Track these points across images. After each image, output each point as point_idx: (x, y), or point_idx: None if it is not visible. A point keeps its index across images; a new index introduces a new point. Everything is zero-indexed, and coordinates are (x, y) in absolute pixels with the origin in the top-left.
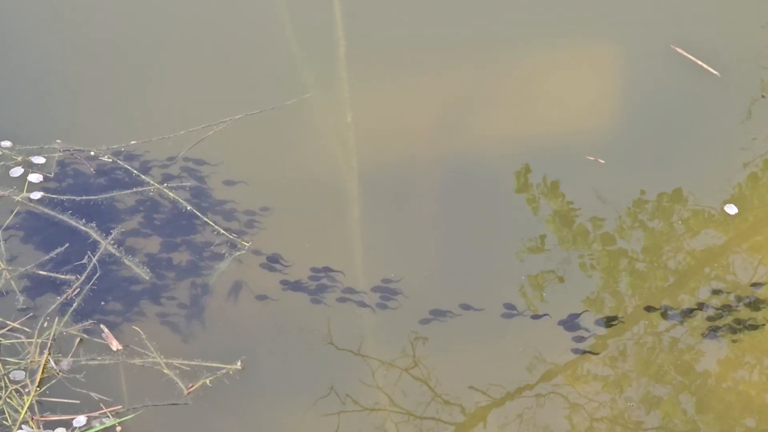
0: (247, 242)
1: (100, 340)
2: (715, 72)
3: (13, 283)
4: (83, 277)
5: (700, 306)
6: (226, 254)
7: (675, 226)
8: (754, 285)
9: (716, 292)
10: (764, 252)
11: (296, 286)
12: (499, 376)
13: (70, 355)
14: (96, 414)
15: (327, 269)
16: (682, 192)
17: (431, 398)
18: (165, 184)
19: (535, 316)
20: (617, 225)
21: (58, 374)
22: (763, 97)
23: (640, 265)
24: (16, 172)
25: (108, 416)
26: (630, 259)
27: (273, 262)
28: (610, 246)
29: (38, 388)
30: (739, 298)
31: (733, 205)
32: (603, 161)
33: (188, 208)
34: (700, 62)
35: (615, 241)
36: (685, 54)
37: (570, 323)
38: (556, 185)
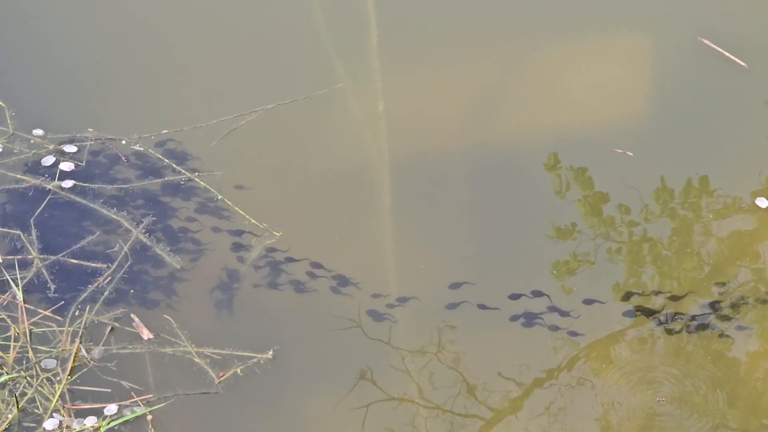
0: (278, 232)
1: (131, 329)
2: (743, 63)
3: (44, 271)
4: (114, 266)
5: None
6: (257, 243)
7: (704, 217)
8: None
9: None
10: None
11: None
12: (530, 364)
13: (101, 344)
14: (127, 402)
15: (346, 281)
16: (709, 183)
17: (461, 387)
18: (196, 173)
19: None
20: (644, 214)
21: (90, 363)
22: None
23: (666, 252)
24: (48, 160)
25: (139, 405)
26: (660, 249)
27: (316, 267)
28: (639, 235)
29: (69, 377)
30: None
31: (764, 198)
32: (631, 153)
33: (219, 197)
34: (727, 54)
35: (644, 230)
36: (713, 46)
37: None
38: (584, 171)
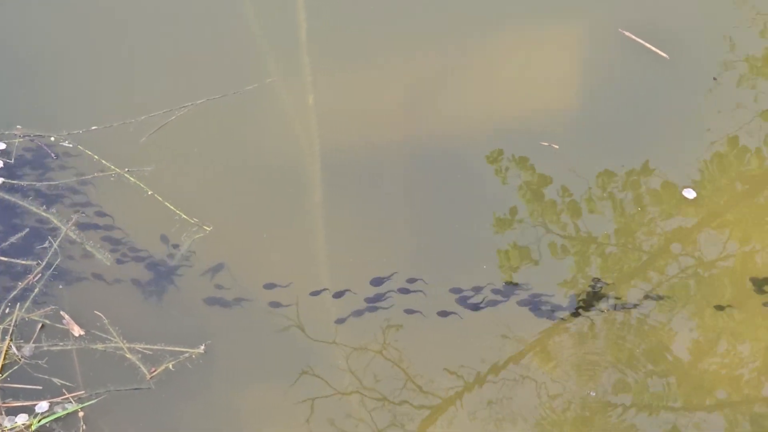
0: (209, 227)
1: (61, 326)
2: (665, 55)
3: None
4: (44, 263)
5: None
6: (187, 238)
7: (634, 208)
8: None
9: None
10: (732, 229)
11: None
12: (471, 356)
13: (31, 341)
14: (58, 399)
15: (278, 275)
16: (639, 174)
17: (405, 381)
18: (126, 170)
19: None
20: (587, 205)
21: (20, 360)
22: (714, 79)
23: (611, 248)
24: None
25: (70, 401)
26: (599, 241)
27: (247, 261)
28: (577, 226)
29: (0, 375)
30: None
31: (691, 189)
32: (557, 146)
33: (149, 192)
34: (649, 45)
35: (582, 223)
36: (634, 38)
37: (534, 303)
38: (525, 160)
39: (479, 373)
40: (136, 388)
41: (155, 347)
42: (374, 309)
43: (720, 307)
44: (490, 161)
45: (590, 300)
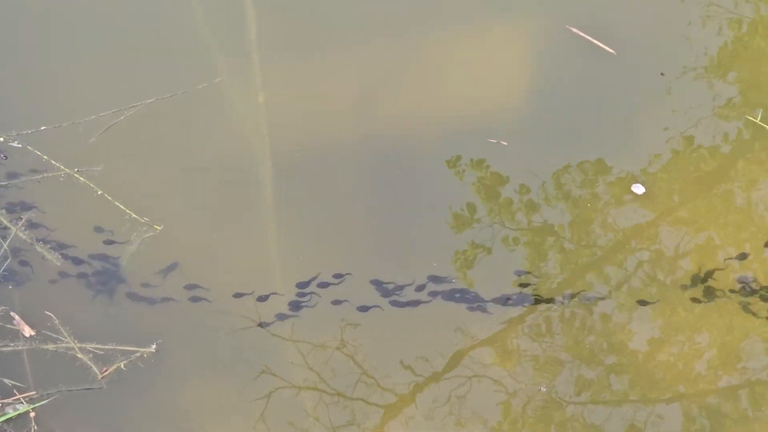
0: (159, 226)
1: (12, 327)
2: (611, 50)
3: None
4: None
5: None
6: (138, 238)
7: (585, 204)
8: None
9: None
10: (690, 226)
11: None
12: (427, 352)
13: None
14: (9, 400)
15: (229, 274)
16: (589, 170)
17: (359, 377)
18: (76, 170)
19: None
20: (541, 201)
21: None
22: (662, 74)
23: (567, 244)
24: None
25: (21, 402)
26: (554, 236)
27: (196, 261)
28: (536, 221)
29: None
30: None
31: (640, 185)
32: (505, 143)
33: (99, 192)
34: (596, 41)
35: (541, 217)
36: (581, 34)
37: (481, 300)
38: (479, 159)
39: (434, 368)
40: (87, 388)
41: (106, 347)
42: (299, 308)
43: (643, 302)
44: (443, 159)
45: (541, 296)
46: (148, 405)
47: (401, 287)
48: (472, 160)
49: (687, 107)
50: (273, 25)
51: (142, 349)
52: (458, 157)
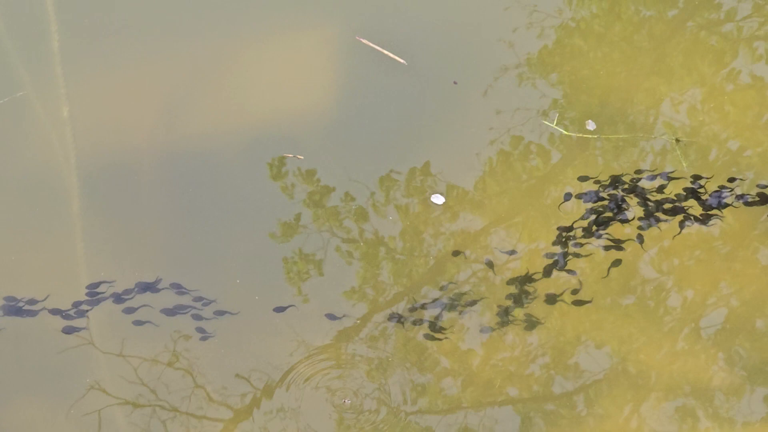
0: None
1: None
2: (402, 60)
3: None
4: None
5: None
6: None
7: (386, 216)
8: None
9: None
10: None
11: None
12: (268, 363)
13: None
14: None
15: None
16: (391, 180)
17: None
18: None
19: (279, 309)
20: (358, 212)
21: None
22: (455, 83)
23: (399, 256)
24: None
25: None
26: (385, 246)
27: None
28: (366, 232)
29: None
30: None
31: (439, 195)
32: (302, 157)
33: None
34: (387, 52)
35: (369, 227)
36: (372, 45)
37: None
38: (278, 167)
39: (270, 378)
40: None
41: None
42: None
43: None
44: (241, 170)
45: (377, 306)
46: None
47: (208, 301)
48: (273, 171)
49: (499, 111)
50: (76, 37)
51: None
52: (259, 164)
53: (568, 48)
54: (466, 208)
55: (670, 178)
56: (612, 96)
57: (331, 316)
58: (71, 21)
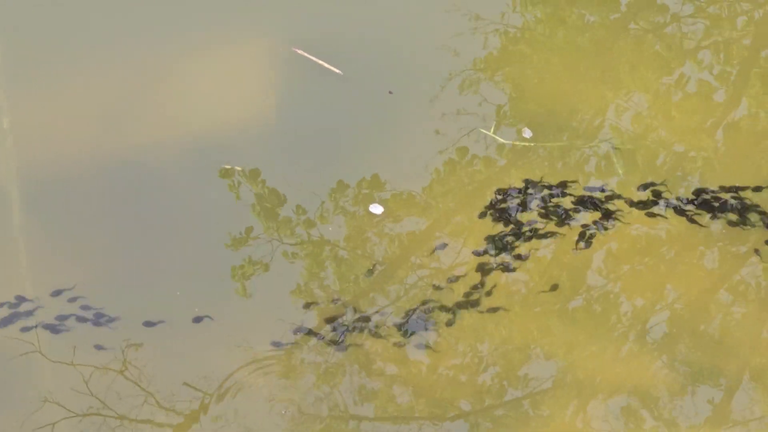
0: None
1: None
2: (338, 71)
3: None
4: None
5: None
6: None
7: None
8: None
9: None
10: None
11: None
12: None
13: None
14: None
15: None
16: (334, 192)
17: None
18: None
19: (197, 319)
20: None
21: None
22: (390, 93)
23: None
24: None
25: None
26: (332, 253)
27: None
28: (312, 237)
29: None
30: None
31: (377, 205)
32: (240, 168)
33: None
34: (322, 62)
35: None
36: (308, 55)
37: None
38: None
39: (220, 385)
40: None
41: None
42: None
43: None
44: (183, 181)
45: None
46: None
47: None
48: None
49: (435, 119)
50: (16, 48)
51: None
52: (199, 175)
53: (510, 54)
54: (403, 215)
55: (565, 193)
56: (555, 102)
57: (197, 319)
58: (10, 32)
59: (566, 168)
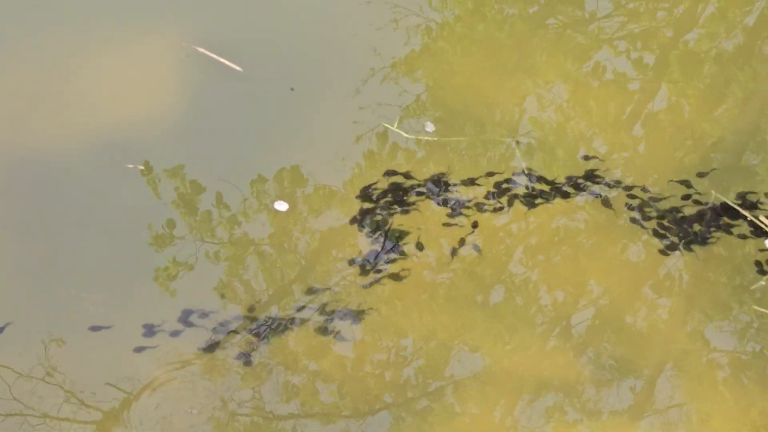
0: None
1: None
2: (238, 68)
3: None
4: None
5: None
6: None
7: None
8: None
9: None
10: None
11: None
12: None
13: None
14: None
15: None
16: (247, 189)
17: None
18: None
19: (95, 328)
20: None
21: None
22: (291, 89)
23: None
24: None
25: None
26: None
27: None
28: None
29: None
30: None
31: (283, 202)
32: (142, 167)
33: None
34: (223, 60)
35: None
36: (208, 53)
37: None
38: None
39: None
40: None
41: None
42: None
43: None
44: (93, 175)
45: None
46: None
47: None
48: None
49: (340, 114)
50: None
51: None
52: (103, 176)
53: (427, 49)
54: (310, 213)
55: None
56: (465, 96)
57: (95, 328)
58: None
59: (472, 162)
